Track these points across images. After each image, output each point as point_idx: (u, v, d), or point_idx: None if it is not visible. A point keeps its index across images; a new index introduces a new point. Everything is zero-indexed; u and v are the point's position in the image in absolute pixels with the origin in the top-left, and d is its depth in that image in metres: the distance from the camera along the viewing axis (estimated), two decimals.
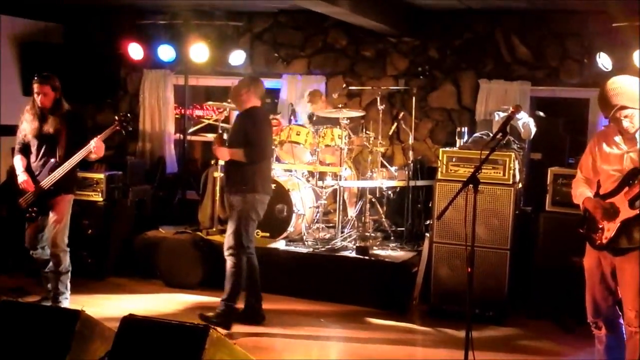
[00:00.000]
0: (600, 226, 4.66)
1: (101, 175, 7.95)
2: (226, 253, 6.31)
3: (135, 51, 9.14)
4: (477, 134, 7.54)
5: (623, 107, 4.51)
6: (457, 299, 6.69)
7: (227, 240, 6.32)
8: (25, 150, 6.40)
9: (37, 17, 9.45)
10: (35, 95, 6.24)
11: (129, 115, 6.51)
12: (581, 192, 4.82)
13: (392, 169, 8.25)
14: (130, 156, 9.47)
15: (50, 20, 9.64)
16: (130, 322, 4.22)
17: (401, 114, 8.34)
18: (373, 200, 8.06)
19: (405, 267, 7.30)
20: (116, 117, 6.43)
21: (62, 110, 6.32)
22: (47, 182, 6.23)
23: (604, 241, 4.64)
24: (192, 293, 7.46)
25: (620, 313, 4.82)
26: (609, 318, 4.86)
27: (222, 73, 9.53)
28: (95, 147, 6.13)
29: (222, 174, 8.15)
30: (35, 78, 6.28)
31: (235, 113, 9.10)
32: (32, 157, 6.36)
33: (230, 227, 6.33)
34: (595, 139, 4.88)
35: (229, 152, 6.34)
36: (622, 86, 4.56)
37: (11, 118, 6.73)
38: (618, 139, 4.68)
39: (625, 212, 4.54)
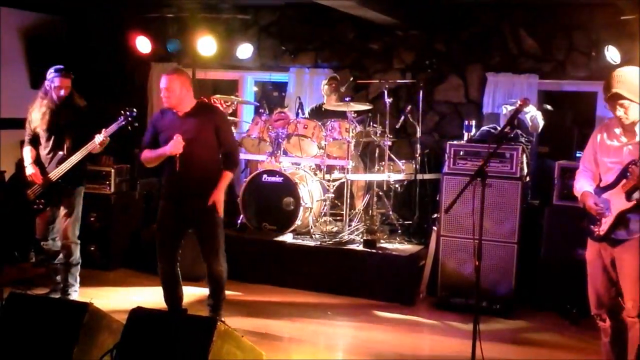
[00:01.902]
0: (599, 218, 4.69)
1: (109, 169, 7.99)
2: (217, 264, 5.86)
3: (142, 44, 9.15)
4: (484, 128, 7.53)
5: (619, 96, 4.53)
6: (464, 292, 6.72)
7: (217, 251, 5.84)
8: (34, 141, 6.43)
9: (45, 10, 9.46)
10: (55, 89, 6.24)
11: (134, 109, 6.46)
12: (580, 186, 4.86)
13: (400, 162, 8.25)
14: (138, 149, 9.47)
15: (57, 13, 9.65)
16: (138, 315, 4.25)
17: (408, 107, 8.33)
18: (380, 193, 8.06)
19: (412, 260, 7.31)
20: (122, 112, 6.41)
21: (75, 103, 6.35)
22: (54, 174, 6.26)
23: (602, 233, 4.68)
24: (199, 285, 7.46)
25: (620, 304, 4.83)
26: (612, 310, 4.87)
27: (230, 66, 9.53)
28: (100, 142, 6.18)
29: None
30: (56, 72, 6.28)
31: (241, 107, 9.17)
32: (42, 149, 6.39)
33: (213, 237, 5.81)
34: (597, 131, 4.90)
35: (223, 188, 5.79)
36: (626, 75, 4.57)
37: (19, 111, 6.75)
38: (618, 131, 4.70)
39: (622, 204, 4.57)
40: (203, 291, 7.28)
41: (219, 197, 5.74)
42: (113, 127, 6.29)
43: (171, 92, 5.62)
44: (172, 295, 6.02)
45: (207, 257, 5.89)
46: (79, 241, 6.50)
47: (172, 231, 5.87)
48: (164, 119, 5.81)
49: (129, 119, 6.36)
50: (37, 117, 6.34)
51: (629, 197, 4.55)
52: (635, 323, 4.67)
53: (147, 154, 5.83)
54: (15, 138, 8.38)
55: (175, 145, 5.58)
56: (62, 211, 6.38)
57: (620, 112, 4.57)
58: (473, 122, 7.49)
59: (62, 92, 6.26)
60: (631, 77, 4.57)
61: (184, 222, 5.85)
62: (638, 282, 4.58)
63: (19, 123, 6.87)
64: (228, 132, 5.95)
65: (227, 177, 5.83)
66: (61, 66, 6.33)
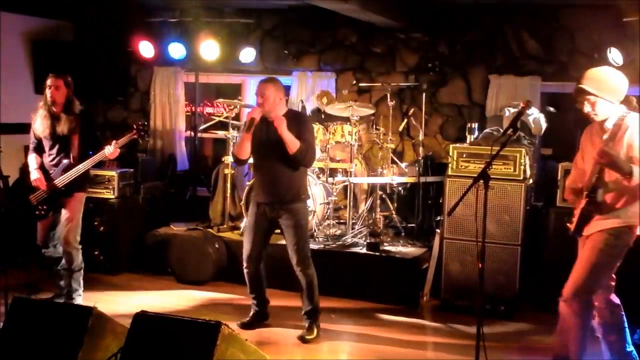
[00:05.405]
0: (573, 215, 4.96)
1: (113, 173, 8.02)
2: (299, 268, 6.06)
3: (145, 49, 9.17)
4: (487, 130, 7.54)
5: (583, 91, 4.73)
6: (468, 295, 6.72)
7: (298, 255, 6.02)
8: (39, 148, 6.46)
9: (49, 15, 9.49)
10: (47, 89, 6.29)
11: (146, 123, 6.62)
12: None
13: (403, 165, 8.26)
14: (141, 153, 9.50)
15: (61, 19, 9.67)
16: (142, 319, 4.26)
17: (411, 110, 8.34)
18: (383, 196, 8.07)
19: (416, 263, 7.31)
20: (134, 126, 6.50)
21: (74, 110, 6.37)
22: (60, 181, 6.28)
23: (572, 228, 4.95)
24: (203, 289, 7.50)
25: (610, 300, 5.03)
26: (600, 306, 5.04)
27: (233, 70, 9.54)
28: (111, 152, 6.21)
29: (232, 171, 8.20)
30: (51, 72, 6.34)
31: (245, 110, 9.19)
32: (45, 156, 6.41)
33: (294, 243, 6.01)
34: (583, 135, 5.07)
35: (288, 132, 5.78)
36: (595, 73, 4.80)
37: (23, 116, 6.79)
38: (597, 131, 4.87)
39: (584, 202, 4.83)
40: (208, 295, 7.31)
41: (283, 123, 5.78)
42: (124, 140, 6.34)
43: (265, 99, 5.88)
44: (259, 293, 6.39)
45: (294, 263, 6.10)
46: (80, 246, 6.50)
47: (254, 234, 6.15)
48: (258, 124, 5.95)
49: (142, 132, 6.44)
50: (38, 124, 6.37)
51: (589, 194, 4.75)
52: (568, 307, 4.90)
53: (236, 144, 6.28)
54: (19, 143, 8.41)
55: (252, 111, 5.94)
56: (64, 217, 6.39)
57: (587, 108, 4.78)
58: (476, 125, 7.50)
59: (51, 91, 6.26)
60: (599, 74, 4.80)
61: (267, 226, 6.15)
62: (583, 270, 4.87)
63: (23, 128, 6.90)
64: (308, 134, 5.99)
65: (296, 140, 5.79)
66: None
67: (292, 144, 5.79)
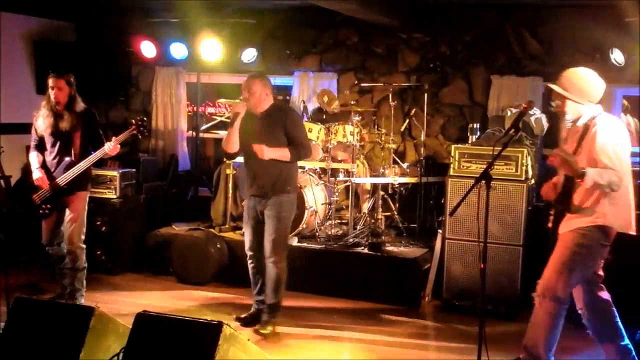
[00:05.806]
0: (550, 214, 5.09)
1: (114, 173, 8.03)
2: (271, 260, 6.06)
3: (147, 49, 9.17)
4: (489, 130, 7.54)
5: (553, 90, 4.87)
6: (470, 295, 6.73)
7: (272, 247, 6.04)
8: (40, 146, 6.45)
9: (50, 15, 9.49)
10: (50, 90, 6.30)
11: (145, 119, 6.59)
12: None
13: (404, 165, 8.27)
14: (143, 154, 9.51)
15: (63, 19, 9.68)
16: (144, 319, 4.25)
17: (413, 110, 8.33)
18: (385, 196, 8.07)
19: (417, 264, 7.31)
20: (133, 121, 6.50)
21: (77, 107, 6.37)
22: (62, 179, 6.28)
23: (550, 226, 5.06)
24: (205, 289, 7.50)
25: (597, 297, 5.07)
26: (586, 304, 5.12)
27: (234, 70, 9.53)
28: (110, 148, 6.21)
29: (234, 172, 8.21)
30: (50, 73, 6.35)
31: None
32: (47, 154, 6.41)
33: (271, 233, 6.04)
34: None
35: (273, 152, 5.93)
36: (568, 73, 4.91)
37: (25, 116, 6.79)
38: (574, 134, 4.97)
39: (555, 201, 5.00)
40: (209, 295, 7.32)
41: (266, 149, 5.88)
42: (123, 135, 6.34)
43: (252, 94, 6.04)
44: (263, 293, 6.32)
45: (266, 253, 6.10)
46: (84, 246, 6.51)
47: (250, 226, 6.23)
48: (245, 118, 6.10)
49: (140, 128, 6.43)
50: (40, 122, 6.37)
51: (559, 194, 4.91)
52: (539, 303, 5.02)
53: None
54: (21, 143, 8.41)
55: (236, 106, 6.13)
56: (68, 216, 6.40)
57: (557, 107, 4.91)
58: (478, 125, 7.50)
59: (54, 92, 6.27)
60: (571, 75, 4.89)
61: (258, 219, 6.19)
62: (553, 270, 4.94)
63: (25, 128, 6.89)
64: (296, 129, 6.12)
65: (284, 149, 5.97)
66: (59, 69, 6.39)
67: (283, 157, 5.97)
